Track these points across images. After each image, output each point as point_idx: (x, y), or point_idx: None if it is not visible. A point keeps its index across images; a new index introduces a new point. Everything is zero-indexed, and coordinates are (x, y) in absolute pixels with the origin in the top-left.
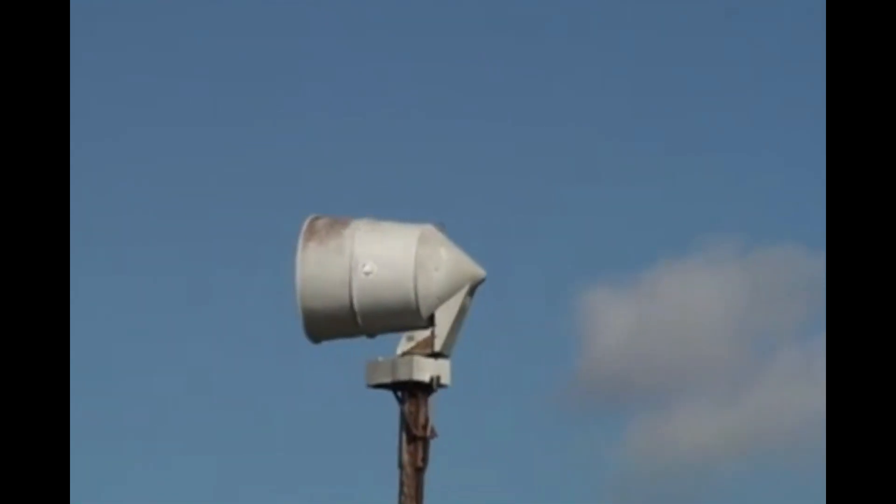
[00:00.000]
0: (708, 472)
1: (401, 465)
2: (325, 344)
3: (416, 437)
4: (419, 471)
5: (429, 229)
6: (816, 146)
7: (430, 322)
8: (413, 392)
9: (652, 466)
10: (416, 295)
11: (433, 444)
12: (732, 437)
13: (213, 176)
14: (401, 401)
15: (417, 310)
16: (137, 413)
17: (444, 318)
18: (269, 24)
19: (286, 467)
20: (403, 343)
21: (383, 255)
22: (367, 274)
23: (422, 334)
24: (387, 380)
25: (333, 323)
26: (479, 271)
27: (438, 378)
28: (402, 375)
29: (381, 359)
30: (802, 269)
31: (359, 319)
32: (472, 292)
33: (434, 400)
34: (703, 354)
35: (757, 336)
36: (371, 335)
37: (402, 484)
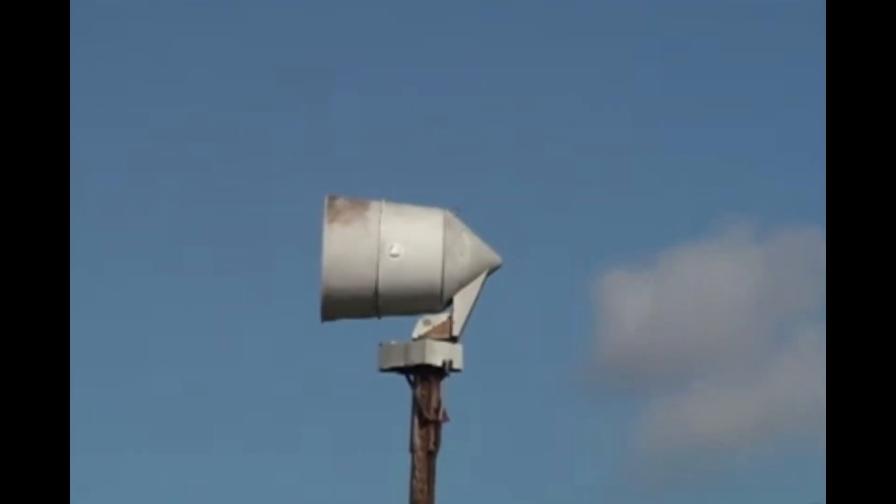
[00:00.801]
0: (725, 456)
1: (412, 449)
2: (337, 326)
3: (427, 420)
4: (431, 454)
5: (448, 214)
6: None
7: (446, 306)
8: (425, 376)
9: (668, 450)
10: (442, 279)
11: (445, 427)
12: (750, 421)
13: (213, 163)
14: (413, 384)
15: (440, 294)
16: (143, 399)
17: (462, 303)
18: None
19: (297, 451)
20: (420, 326)
21: (411, 238)
22: (394, 256)
23: (438, 318)
24: (399, 363)
25: (353, 303)
26: (497, 258)
27: (451, 362)
28: (415, 359)
29: (393, 342)
30: (821, 251)
31: (380, 301)
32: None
33: (446, 384)
34: (720, 337)
35: (775, 319)
36: (380, 316)
37: (413, 468)
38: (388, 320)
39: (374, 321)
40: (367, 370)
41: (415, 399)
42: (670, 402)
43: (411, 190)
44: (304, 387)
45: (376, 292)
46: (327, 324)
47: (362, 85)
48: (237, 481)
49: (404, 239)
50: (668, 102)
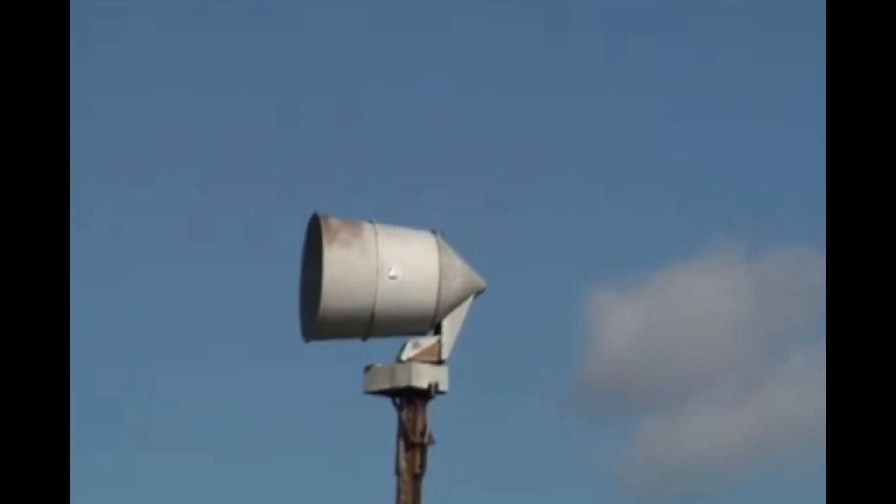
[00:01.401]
0: (717, 477)
1: (398, 472)
2: (322, 349)
3: (413, 443)
4: (417, 478)
5: (439, 237)
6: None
7: (433, 329)
8: (411, 398)
9: (659, 471)
10: (437, 303)
11: (431, 450)
12: (741, 441)
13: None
14: (399, 407)
15: (433, 317)
16: (130, 418)
17: (451, 326)
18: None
19: (282, 474)
20: (409, 349)
21: (408, 260)
22: (392, 278)
23: (428, 341)
24: (385, 386)
25: (346, 324)
26: (482, 282)
27: (437, 385)
28: (401, 382)
29: (379, 365)
30: (812, 271)
31: (374, 322)
32: None
33: (432, 406)
34: (711, 357)
35: (766, 338)
36: (367, 338)
37: (399, 491)
38: (371, 343)
39: (356, 343)
40: (351, 392)
41: (400, 422)
42: (661, 422)
43: (394, 211)
44: (289, 409)
45: (372, 314)
46: (311, 346)
47: (338, 99)
48: None
49: (402, 261)
50: (660, 122)
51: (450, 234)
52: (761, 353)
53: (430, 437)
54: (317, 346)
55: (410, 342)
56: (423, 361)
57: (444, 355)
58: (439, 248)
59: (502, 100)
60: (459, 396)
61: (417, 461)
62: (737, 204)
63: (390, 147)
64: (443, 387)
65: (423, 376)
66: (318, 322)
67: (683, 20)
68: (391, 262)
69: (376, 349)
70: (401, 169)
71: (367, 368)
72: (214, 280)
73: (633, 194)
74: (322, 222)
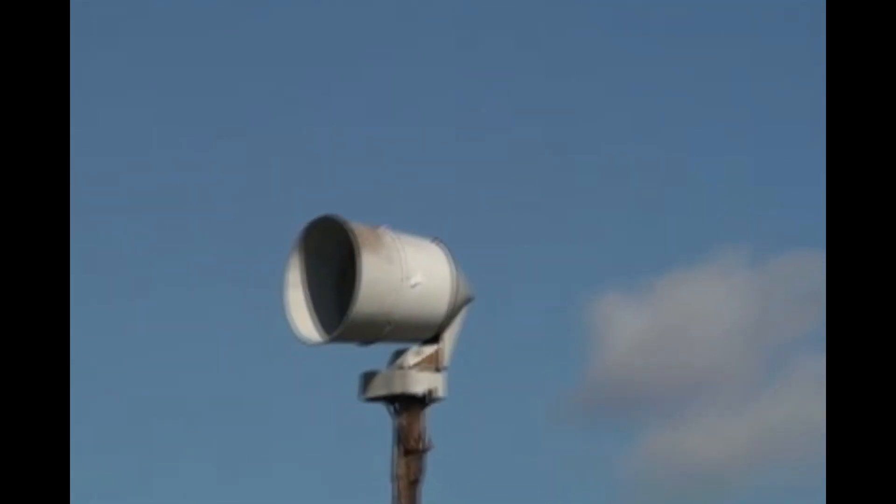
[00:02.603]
0: (720, 481)
1: (395, 479)
2: (320, 357)
3: (410, 450)
4: (414, 483)
5: (443, 246)
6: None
7: (432, 337)
8: (407, 405)
9: (661, 476)
10: (447, 311)
11: (428, 455)
12: (745, 446)
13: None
14: (396, 414)
15: (439, 325)
16: (129, 423)
17: (451, 334)
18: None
19: (280, 480)
20: (411, 357)
21: (427, 269)
22: (413, 286)
23: (428, 349)
24: (382, 392)
25: (364, 328)
26: (473, 292)
27: (433, 391)
28: (397, 388)
29: (376, 371)
30: (819, 275)
31: (388, 328)
32: None
33: (429, 412)
34: (715, 363)
35: (771, 344)
36: (371, 343)
37: (396, 497)
38: (364, 350)
39: (349, 350)
40: (349, 398)
41: (396, 428)
42: (665, 427)
43: (405, 219)
44: (286, 416)
45: (391, 320)
46: (306, 353)
47: (332, 109)
48: None
49: (422, 270)
50: (664, 129)
51: (449, 239)
52: (766, 358)
53: (428, 442)
54: (310, 352)
55: (412, 350)
56: (424, 369)
57: (445, 363)
58: (447, 258)
59: (505, 102)
60: (459, 403)
61: (414, 468)
62: (740, 212)
63: (378, 148)
64: (439, 393)
65: (420, 383)
66: (346, 324)
67: (685, 22)
68: (414, 269)
69: (368, 356)
70: (400, 172)
71: (365, 375)
72: (208, 286)
73: (637, 201)
74: (347, 225)
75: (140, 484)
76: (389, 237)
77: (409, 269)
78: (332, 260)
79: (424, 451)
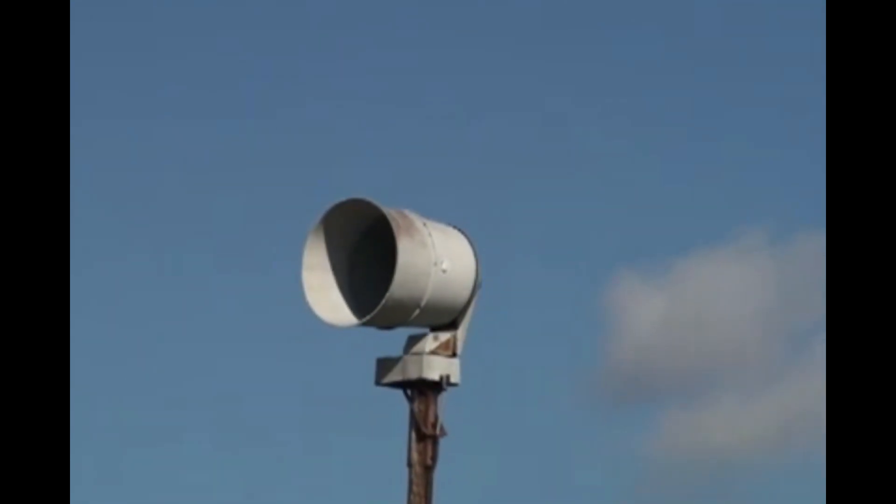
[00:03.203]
0: (739, 467)
1: (410, 464)
2: (333, 341)
3: (425, 435)
4: (428, 469)
5: (465, 233)
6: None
7: (449, 323)
8: (422, 390)
9: (679, 462)
10: (469, 298)
11: (443, 442)
12: (764, 432)
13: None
14: (410, 399)
15: (459, 311)
16: (136, 410)
17: (465, 320)
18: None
19: (293, 465)
20: (430, 342)
21: (453, 254)
22: (444, 271)
23: (445, 335)
24: (397, 378)
25: (393, 312)
26: (481, 279)
27: (448, 377)
28: (412, 374)
29: (390, 356)
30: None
31: (416, 313)
32: None
33: (444, 398)
34: (734, 347)
35: (791, 327)
36: (393, 328)
37: (411, 483)
38: (380, 335)
39: (362, 334)
40: (364, 384)
41: (412, 414)
42: (684, 412)
43: (420, 202)
44: (300, 400)
45: (420, 305)
46: (320, 338)
47: (336, 87)
48: (232, 497)
49: (450, 255)
50: (680, 107)
51: (460, 221)
52: (786, 342)
53: (442, 428)
54: (325, 337)
55: (431, 335)
56: (439, 354)
57: (459, 349)
58: (470, 245)
59: (519, 80)
60: (474, 388)
61: (429, 453)
62: (760, 191)
63: (391, 135)
64: (454, 379)
65: (435, 368)
66: (381, 308)
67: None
68: (443, 255)
69: (383, 342)
70: (417, 158)
71: (380, 361)
72: (221, 268)
73: (654, 181)
74: (382, 209)
75: (143, 466)
76: (419, 222)
77: (439, 255)
78: (344, 243)
79: (440, 436)
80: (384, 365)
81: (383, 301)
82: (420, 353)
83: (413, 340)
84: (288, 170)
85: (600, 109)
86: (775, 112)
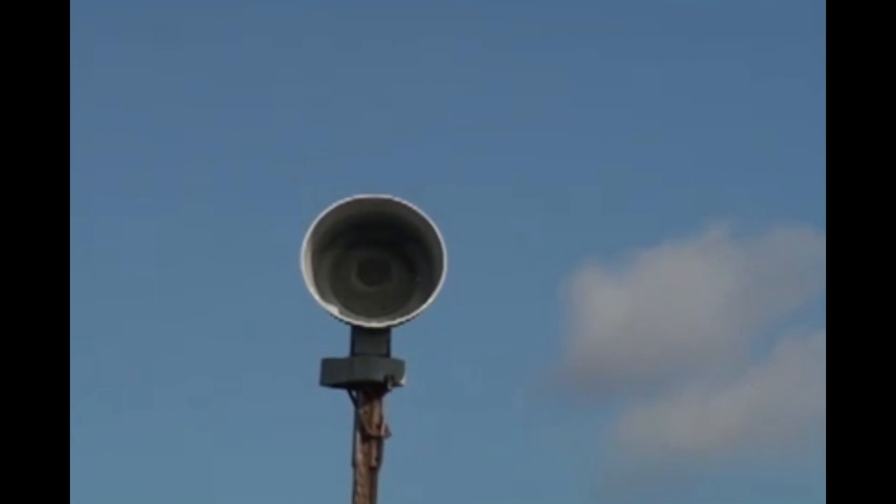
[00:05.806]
0: (703, 465)
1: (354, 465)
2: (276, 342)
3: (370, 436)
4: (373, 470)
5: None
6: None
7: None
8: (367, 392)
9: (642, 460)
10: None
11: (387, 443)
12: (729, 428)
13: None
14: (355, 400)
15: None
16: (96, 413)
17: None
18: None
19: (237, 467)
20: (371, 342)
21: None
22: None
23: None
24: (342, 379)
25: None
26: None
27: (393, 377)
28: (358, 375)
29: (335, 358)
30: (807, 251)
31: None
32: None
33: (388, 399)
34: (699, 341)
35: (758, 322)
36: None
37: (355, 483)
38: (324, 335)
39: (314, 336)
40: (308, 385)
41: (356, 415)
42: (646, 409)
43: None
44: (244, 401)
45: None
46: (264, 339)
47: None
48: (174, 498)
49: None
50: (650, 101)
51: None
52: (752, 337)
53: (387, 429)
54: (269, 338)
55: (371, 336)
56: (384, 355)
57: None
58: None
59: (484, 74)
60: (418, 389)
61: (374, 454)
62: (726, 184)
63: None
64: (400, 380)
65: (380, 369)
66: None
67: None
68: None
69: (327, 342)
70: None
71: (325, 361)
72: (195, 273)
73: (620, 173)
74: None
75: (92, 475)
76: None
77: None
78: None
79: (384, 437)
80: (329, 366)
81: (425, 305)
82: (366, 354)
83: (355, 341)
84: (288, 169)
85: (572, 104)
86: (748, 106)
